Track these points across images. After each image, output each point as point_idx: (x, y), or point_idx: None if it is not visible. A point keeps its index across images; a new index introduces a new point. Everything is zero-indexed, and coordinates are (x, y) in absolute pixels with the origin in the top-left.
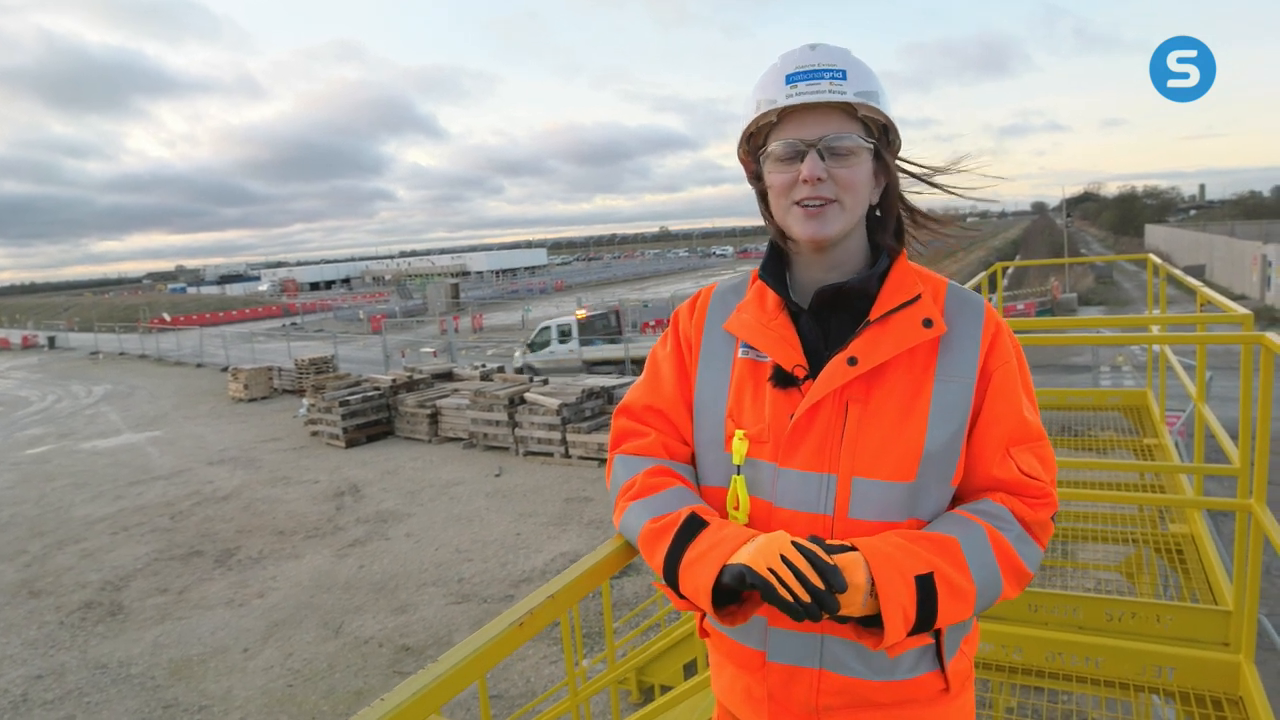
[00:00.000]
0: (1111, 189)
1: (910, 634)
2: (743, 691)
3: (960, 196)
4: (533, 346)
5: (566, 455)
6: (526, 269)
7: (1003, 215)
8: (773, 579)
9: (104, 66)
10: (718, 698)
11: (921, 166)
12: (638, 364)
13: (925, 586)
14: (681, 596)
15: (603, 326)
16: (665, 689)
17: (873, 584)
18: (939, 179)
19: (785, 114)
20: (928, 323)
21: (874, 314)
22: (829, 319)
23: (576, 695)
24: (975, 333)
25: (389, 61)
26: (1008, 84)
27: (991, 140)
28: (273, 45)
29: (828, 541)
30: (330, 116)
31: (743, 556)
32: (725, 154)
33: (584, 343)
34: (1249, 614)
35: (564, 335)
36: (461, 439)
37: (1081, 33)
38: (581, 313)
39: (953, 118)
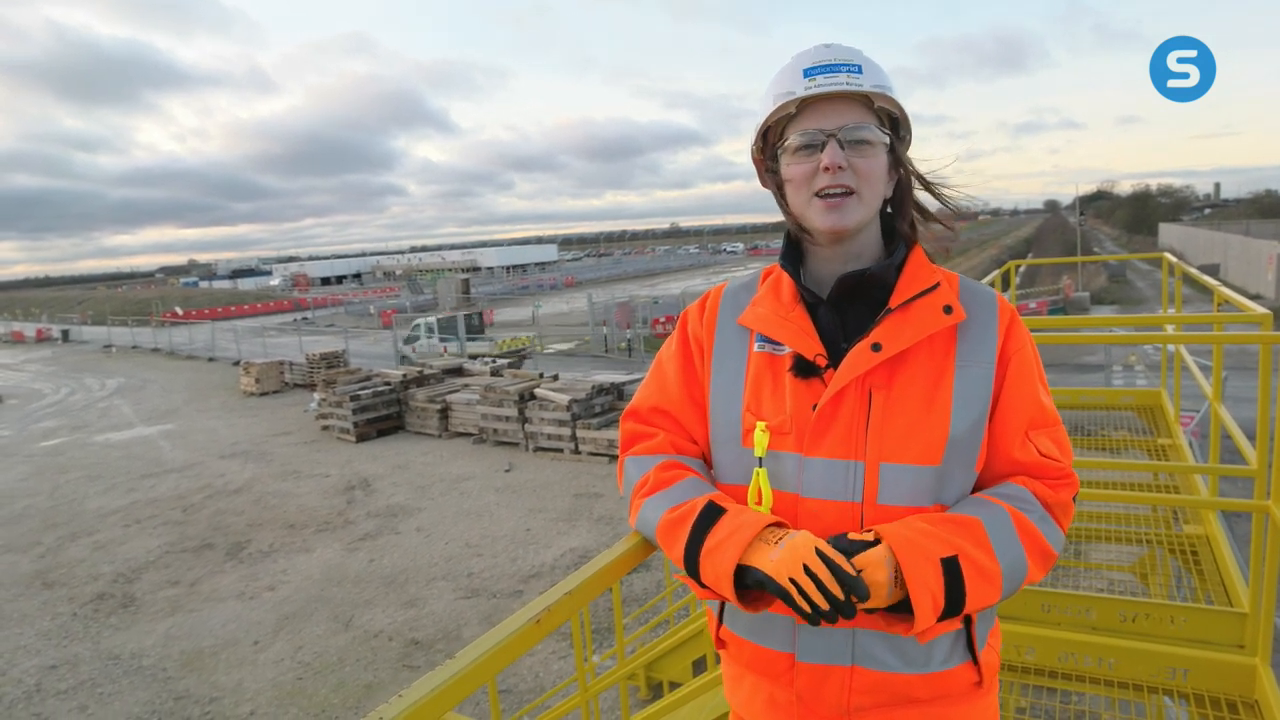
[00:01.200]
0: (1125, 187)
1: (940, 619)
2: (765, 700)
3: (962, 197)
4: (407, 340)
5: (576, 451)
6: (537, 264)
7: (1015, 213)
8: (793, 589)
9: (114, 59)
10: (735, 711)
11: (926, 175)
12: (474, 359)
13: (951, 569)
14: (704, 586)
15: (466, 325)
16: (674, 685)
17: (899, 572)
18: (940, 190)
19: (803, 107)
20: (948, 309)
21: (894, 301)
22: (847, 310)
23: (586, 691)
24: (992, 320)
25: (399, 55)
26: (1023, 80)
27: (1006, 138)
28: (282, 39)
29: (850, 536)
30: (341, 111)
31: (766, 566)
32: (737, 150)
33: (443, 339)
34: (1265, 616)
35: (430, 331)
36: (471, 434)
37: (1102, 29)
38: (444, 315)
39: (967, 115)
